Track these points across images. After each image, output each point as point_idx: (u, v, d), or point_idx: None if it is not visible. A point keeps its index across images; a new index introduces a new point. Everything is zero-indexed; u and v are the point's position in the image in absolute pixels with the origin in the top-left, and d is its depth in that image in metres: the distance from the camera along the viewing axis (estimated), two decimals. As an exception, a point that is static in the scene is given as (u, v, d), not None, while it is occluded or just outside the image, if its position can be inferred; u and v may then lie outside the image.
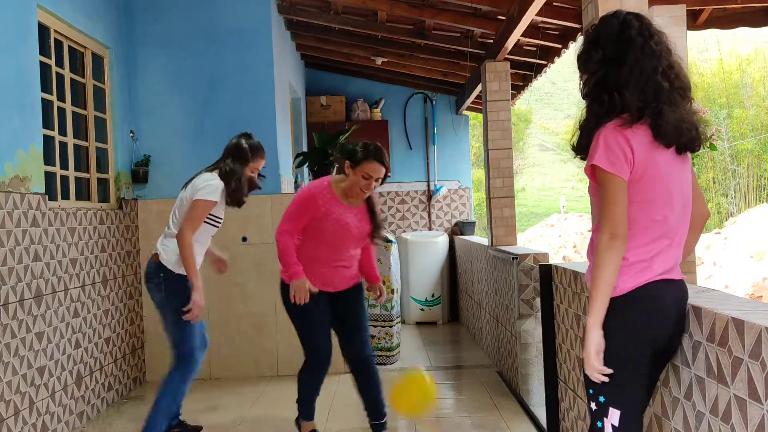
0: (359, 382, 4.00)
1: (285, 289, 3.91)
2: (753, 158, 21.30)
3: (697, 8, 5.07)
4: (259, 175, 4.32)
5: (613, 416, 2.17)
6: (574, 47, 5.78)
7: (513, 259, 5.01)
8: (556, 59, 6.41)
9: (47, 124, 4.58)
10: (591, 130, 2.23)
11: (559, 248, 17.39)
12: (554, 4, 5.15)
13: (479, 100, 7.92)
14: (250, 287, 5.99)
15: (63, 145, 4.91)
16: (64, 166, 4.92)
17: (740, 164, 21.43)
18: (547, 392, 3.92)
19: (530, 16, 4.82)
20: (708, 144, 5.49)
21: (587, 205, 21.08)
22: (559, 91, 37.69)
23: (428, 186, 9.30)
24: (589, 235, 2.83)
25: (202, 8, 6.05)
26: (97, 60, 5.55)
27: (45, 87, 4.57)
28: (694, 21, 5.26)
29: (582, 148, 2.28)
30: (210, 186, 4.03)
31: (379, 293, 4.11)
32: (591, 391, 2.23)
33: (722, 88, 23.95)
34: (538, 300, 4.16)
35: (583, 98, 2.30)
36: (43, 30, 4.61)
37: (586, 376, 2.23)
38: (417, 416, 4.07)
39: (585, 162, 2.27)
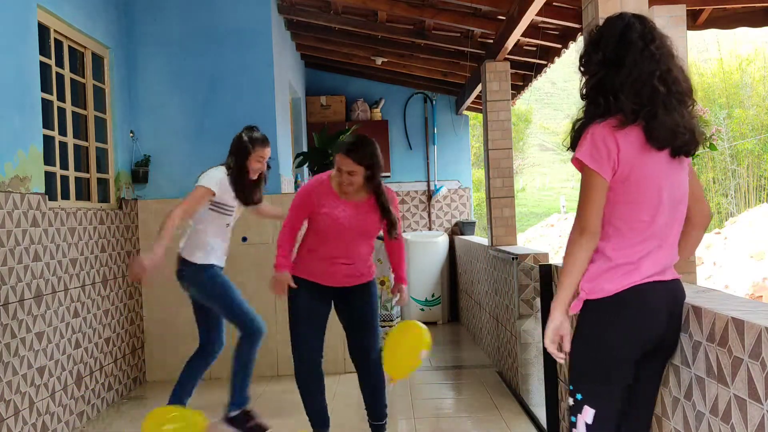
0: (362, 381, 3.99)
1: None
2: (753, 158, 21.30)
3: (697, 8, 5.07)
4: (268, 166, 4.34)
5: (587, 414, 2.22)
6: (574, 47, 5.78)
7: (513, 259, 5.01)
8: (556, 59, 6.41)
9: (47, 124, 4.58)
10: (584, 128, 2.25)
11: (559, 248, 17.41)
12: (554, 4, 5.15)
13: (479, 100, 7.92)
14: (250, 287, 5.98)
15: (63, 145, 4.91)
16: (64, 166, 4.92)
17: (740, 164, 21.43)
18: (547, 392, 3.92)
19: (530, 16, 4.82)
20: (708, 144, 5.50)
21: (587, 205, 20.92)
22: (559, 91, 37.69)
23: (428, 186, 9.30)
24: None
25: (202, 8, 6.05)
26: (97, 60, 5.55)
27: (45, 87, 4.57)
28: (694, 21, 5.26)
29: (575, 146, 2.30)
30: (208, 175, 4.16)
31: (398, 295, 3.98)
32: (571, 387, 2.30)
33: (722, 88, 23.94)
34: (538, 300, 4.16)
35: (582, 99, 2.31)
36: (43, 30, 4.61)
37: (569, 371, 2.30)
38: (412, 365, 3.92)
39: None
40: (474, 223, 9.12)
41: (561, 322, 2.26)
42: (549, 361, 3.89)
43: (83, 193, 5.28)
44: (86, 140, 5.33)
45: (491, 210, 6.16)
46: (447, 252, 8.83)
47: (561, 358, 2.32)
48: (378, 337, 3.93)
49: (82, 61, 5.32)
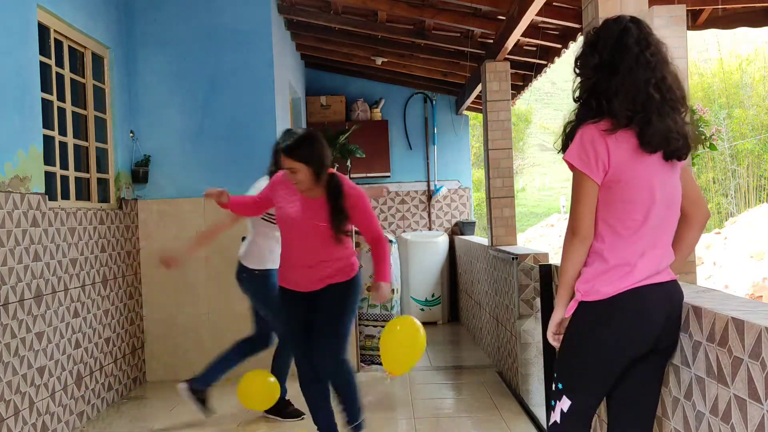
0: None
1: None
2: (753, 158, 21.28)
3: (697, 8, 5.08)
4: None
5: (565, 403, 2.29)
6: (574, 47, 5.78)
7: (513, 259, 5.01)
8: (556, 59, 6.41)
9: (47, 124, 4.58)
10: (575, 130, 2.26)
11: (559, 248, 17.39)
12: (554, 4, 5.15)
13: (479, 100, 7.92)
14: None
15: (63, 145, 4.91)
16: (64, 166, 4.92)
17: (740, 164, 21.41)
18: (547, 392, 3.91)
19: (530, 16, 4.82)
20: (708, 144, 5.51)
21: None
22: (559, 91, 37.68)
23: (428, 186, 9.29)
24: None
25: (202, 8, 6.05)
26: (97, 60, 5.55)
27: (45, 87, 4.57)
28: (694, 21, 5.26)
29: (566, 148, 2.31)
30: (253, 186, 4.39)
31: (376, 293, 3.72)
32: (555, 374, 2.36)
33: (722, 88, 23.93)
34: (538, 300, 4.16)
35: (575, 101, 2.32)
36: (43, 30, 4.61)
37: (556, 358, 2.39)
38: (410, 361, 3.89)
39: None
40: (474, 223, 9.11)
41: (562, 317, 2.34)
42: (549, 361, 3.89)
43: (83, 193, 5.28)
44: (86, 140, 5.33)
45: (491, 210, 6.16)
46: (447, 252, 8.83)
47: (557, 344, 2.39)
48: (338, 346, 3.72)
49: (82, 61, 5.32)
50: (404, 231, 9.21)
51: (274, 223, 4.23)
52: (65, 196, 4.90)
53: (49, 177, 4.62)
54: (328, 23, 6.96)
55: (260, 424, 4.67)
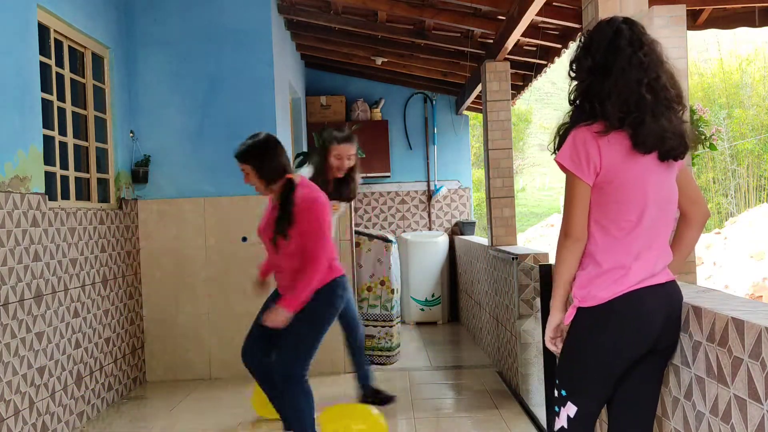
0: None
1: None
2: (753, 158, 21.28)
3: (697, 8, 5.07)
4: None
5: (570, 409, 2.29)
6: (574, 47, 5.78)
7: (513, 259, 5.01)
8: (556, 59, 6.41)
9: (47, 124, 4.58)
10: (568, 132, 2.26)
11: (558, 248, 17.36)
12: (554, 4, 5.15)
13: (479, 100, 7.92)
14: (250, 287, 5.99)
15: (63, 145, 4.91)
16: (64, 166, 4.92)
17: (740, 164, 21.41)
18: (547, 392, 3.91)
19: (530, 16, 4.82)
20: (708, 144, 5.50)
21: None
22: (559, 91, 37.66)
23: (428, 186, 9.29)
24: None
25: (202, 8, 6.05)
26: (97, 60, 5.55)
27: (45, 87, 4.57)
28: (694, 21, 5.26)
29: (559, 148, 2.32)
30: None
31: (269, 314, 3.56)
32: (557, 381, 2.35)
33: (722, 88, 23.92)
34: (538, 300, 4.16)
35: (569, 104, 2.32)
36: (43, 30, 4.61)
37: (557, 365, 2.38)
38: None
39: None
40: (474, 223, 9.11)
41: (560, 321, 2.33)
42: (549, 361, 3.89)
43: (83, 193, 5.28)
44: (86, 140, 5.33)
45: (491, 210, 6.16)
46: (447, 252, 8.82)
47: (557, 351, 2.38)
48: (290, 359, 3.65)
49: (82, 61, 5.32)
50: (404, 231, 9.22)
51: None
52: (65, 196, 4.90)
53: (49, 177, 4.62)
54: (328, 23, 6.96)
55: (260, 425, 4.67)
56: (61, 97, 4.89)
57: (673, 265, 2.38)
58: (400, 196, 9.23)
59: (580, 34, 3.31)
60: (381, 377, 4.64)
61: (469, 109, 9.14)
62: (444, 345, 7.38)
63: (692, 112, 5.06)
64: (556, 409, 2.34)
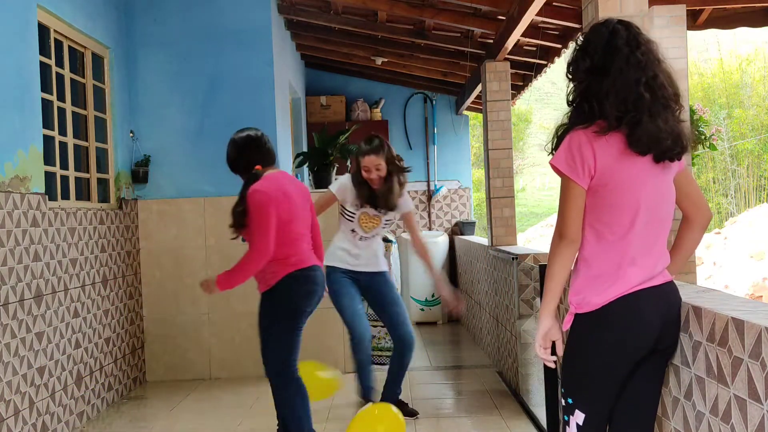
0: None
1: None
2: (753, 158, 21.27)
3: (697, 8, 5.08)
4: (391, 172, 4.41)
5: (579, 417, 2.29)
6: (571, 50, 5.78)
7: (513, 259, 5.01)
8: (556, 59, 6.42)
9: (47, 124, 4.58)
10: (566, 134, 2.26)
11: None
12: (554, 4, 5.15)
13: (479, 100, 7.92)
14: (250, 287, 5.99)
15: (63, 145, 4.91)
16: (64, 166, 4.92)
17: (740, 164, 21.41)
18: (547, 392, 3.91)
19: (530, 16, 4.82)
20: (708, 144, 5.50)
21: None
22: (559, 91, 37.65)
23: (428, 186, 9.30)
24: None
25: (202, 8, 6.05)
26: (97, 60, 5.54)
27: (45, 87, 4.57)
28: (694, 21, 5.26)
29: (557, 150, 2.31)
30: (335, 180, 4.64)
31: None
32: (563, 390, 2.35)
33: (722, 88, 23.91)
34: (538, 300, 4.16)
35: (568, 105, 2.32)
36: (43, 30, 4.61)
37: (561, 374, 2.36)
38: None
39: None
40: (474, 223, 9.11)
41: (550, 328, 2.28)
42: (549, 361, 3.89)
43: (83, 193, 5.28)
44: (86, 140, 5.33)
45: (491, 210, 6.16)
46: (447, 252, 8.82)
47: (552, 363, 2.35)
48: (263, 355, 3.76)
49: (82, 61, 5.32)
50: (404, 231, 9.21)
51: (346, 218, 4.48)
52: (65, 196, 4.90)
53: (49, 177, 4.62)
54: (328, 23, 6.96)
55: (261, 425, 4.67)
56: (61, 97, 4.89)
57: (674, 266, 2.38)
58: (400, 196, 9.22)
59: (579, 34, 3.31)
60: (381, 377, 4.63)
61: (469, 109, 9.14)
62: (444, 345, 7.38)
63: (692, 112, 5.06)
64: (565, 417, 2.33)
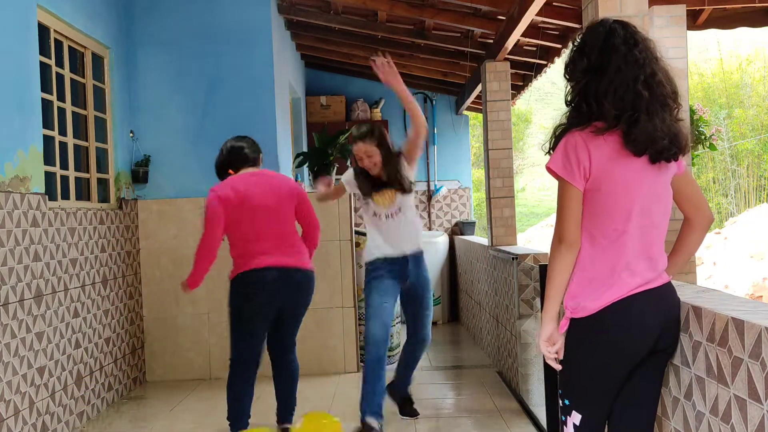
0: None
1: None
2: (753, 158, 21.28)
3: (697, 8, 5.07)
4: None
5: (576, 418, 2.30)
6: (569, 51, 5.79)
7: (513, 259, 5.01)
8: (556, 59, 6.42)
9: (47, 124, 4.58)
10: (564, 134, 2.25)
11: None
12: (554, 4, 5.15)
13: (479, 100, 7.92)
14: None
15: (63, 145, 4.91)
16: (64, 166, 4.92)
17: (740, 164, 21.42)
18: (547, 392, 3.91)
19: (530, 16, 4.81)
20: (708, 144, 5.49)
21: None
22: (559, 91, 37.64)
23: (428, 186, 9.29)
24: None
25: (203, 8, 6.05)
26: (97, 60, 5.54)
27: (45, 87, 4.57)
28: (694, 21, 5.26)
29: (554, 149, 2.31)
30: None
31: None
32: (561, 391, 2.36)
33: (722, 88, 23.92)
34: (538, 300, 4.16)
35: (566, 105, 2.31)
36: (43, 30, 4.61)
37: (559, 376, 2.37)
38: None
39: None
40: (474, 223, 9.11)
41: (552, 331, 2.29)
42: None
43: (83, 193, 5.28)
44: (86, 140, 5.33)
45: (491, 210, 6.16)
46: (447, 252, 8.82)
47: (559, 366, 2.34)
48: (233, 342, 4.00)
49: (82, 61, 5.32)
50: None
51: (366, 203, 4.32)
52: (65, 196, 4.90)
53: (49, 177, 4.62)
54: (328, 23, 6.96)
55: (261, 425, 4.67)
56: (61, 97, 4.89)
57: (674, 267, 2.37)
58: (400, 196, 9.22)
59: (577, 34, 3.31)
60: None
61: (469, 109, 9.14)
62: (444, 345, 7.38)
63: (692, 112, 5.07)
64: (563, 418, 2.33)
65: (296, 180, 7.24)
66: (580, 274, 2.24)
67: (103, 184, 5.54)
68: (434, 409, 4.91)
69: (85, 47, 5.30)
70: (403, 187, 4.23)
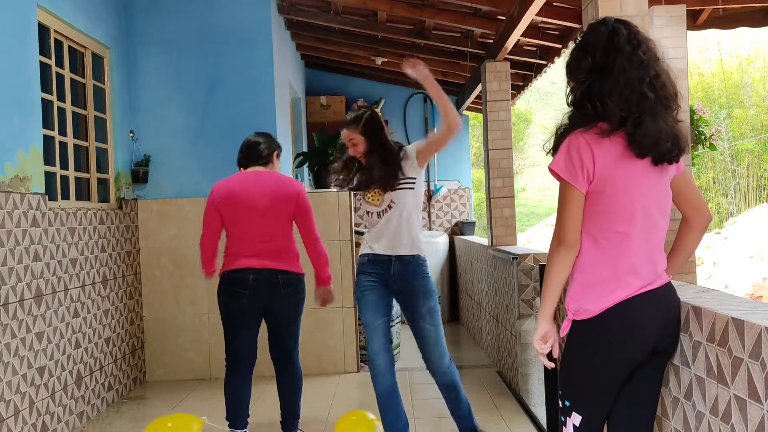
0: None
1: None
2: (753, 158, 21.28)
3: (697, 8, 5.08)
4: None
5: (575, 419, 2.30)
6: (570, 51, 5.78)
7: (513, 259, 5.01)
8: (556, 59, 6.42)
9: (47, 124, 4.58)
10: (566, 135, 2.23)
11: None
12: (554, 4, 5.15)
13: (479, 100, 7.92)
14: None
15: (63, 145, 4.91)
16: (64, 166, 4.92)
17: (740, 164, 21.42)
18: (547, 392, 3.91)
19: (530, 16, 4.82)
20: (708, 144, 5.48)
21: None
22: (559, 91, 37.65)
23: (428, 186, 9.29)
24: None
25: (202, 8, 6.05)
26: (97, 60, 5.55)
27: (45, 87, 4.57)
28: (694, 21, 5.26)
29: (556, 151, 2.29)
30: None
31: None
32: (561, 392, 2.35)
33: (722, 88, 23.92)
34: (538, 300, 4.16)
35: (569, 105, 2.30)
36: (43, 30, 4.61)
37: (559, 377, 2.37)
38: None
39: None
40: (474, 223, 9.11)
41: (547, 331, 2.29)
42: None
43: (83, 193, 5.28)
44: (86, 140, 5.33)
45: (491, 210, 6.16)
46: (447, 252, 8.82)
47: (551, 365, 2.36)
48: (225, 339, 4.09)
49: (82, 61, 5.32)
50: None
51: (362, 200, 3.96)
52: (65, 196, 4.90)
53: (49, 177, 4.62)
54: (328, 23, 6.96)
55: (261, 425, 4.67)
56: (61, 97, 4.89)
57: (673, 268, 2.37)
58: (400, 196, 9.22)
59: (578, 33, 3.30)
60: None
61: (469, 109, 9.14)
62: (444, 345, 7.37)
63: (692, 112, 5.06)
64: (562, 419, 2.33)
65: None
66: (582, 276, 2.23)
67: (103, 184, 5.54)
68: (434, 410, 4.91)
69: (85, 47, 5.30)
70: (384, 184, 3.77)
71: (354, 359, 5.99)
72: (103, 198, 5.54)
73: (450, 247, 8.92)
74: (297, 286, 3.99)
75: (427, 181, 9.29)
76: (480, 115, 10.02)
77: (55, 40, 4.83)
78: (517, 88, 7.79)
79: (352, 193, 4.37)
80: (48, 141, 4.61)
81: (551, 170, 2.24)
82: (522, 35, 5.68)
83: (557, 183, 2.26)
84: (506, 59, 6.14)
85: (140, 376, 5.88)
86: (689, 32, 4.84)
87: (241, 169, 4.10)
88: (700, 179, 20.83)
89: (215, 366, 5.95)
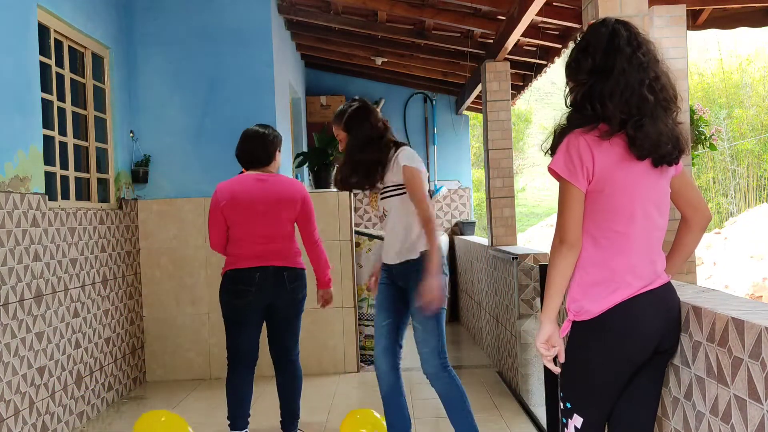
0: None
1: None
2: (753, 158, 21.28)
3: (697, 8, 5.08)
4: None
5: (577, 420, 2.29)
6: (569, 51, 5.78)
7: (513, 259, 5.01)
8: (556, 59, 6.42)
9: (47, 124, 4.58)
10: (565, 135, 2.23)
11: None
12: (554, 4, 5.15)
13: (479, 100, 7.92)
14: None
15: (63, 145, 4.91)
16: (64, 166, 4.92)
17: (740, 164, 21.42)
18: (547, 392, 3.91)
19: (530, 16, 4.82)
20: (708, 144, 5.48)
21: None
22: (559, 91, 37.64)
23: (428, 186, 9.29)
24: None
25: (202, 8, 6.05)
26: (97, 60, 5.54)
27: (45, 87, 4.57)
28: (694, 21, 5.26)
29: (555, 151, 2.28)
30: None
31: None
32: (562, 394, 2.34)
33: (722, 88, 23.92)
34: (538, 300, 4.16)
35: (567, 106, 2.30)
36: (43, 30, 4.61)
37: (561, 378, 2.36)
38: None
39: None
40: (474, 223, 9.11)
41: (551, 333, 2.25)
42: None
43: (83, 193, 5.28)
44: (86, 140, 5.33)
45: (491, 210, 6.16)
46: (447, 252, 8.82)
47: (557, 369, 2.33)
48: (227, 338, 4.09)
49: (82, 61, 5.32)
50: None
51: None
52: (65, 196, 4.90)
53: (49, 177, 4.62)
54: (328, 23, 6.96)
55: (261, 425, 4.67)
56: (61, 97, 4.89)
57: (672, 267, 2.37)
58: (400, 196, 9.22)
59: (578, 34, 3.30)
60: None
61: (469, 109, 9.14)
62: (444, 345, 7.37)
63: (692, 112, 5.06)
64: (563, 420, 2.32)
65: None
66: (582, 276, 2.23)
67: (103, 184, 5.54)
68: (434, 410, 4.91)
69: (85, 47, 5.30)
70: (362, 184, 3.61)
71: (354, 359, 5.99)
72: (103, 198, 5.54)
73: (450, 247, 8.92)
74: (302, 281, 4.05)
75: (427, 181, 9.28)
76: (480, 115, 10.02)
77: (55, 40, 4.83)
78: (517, 88, 7.79)
79: (352, 192, 4.30)
80: (48, 141, 4.61)
81: (551, 170, 2.23)
82: (522, 35, 5.68)
83: (557, 183, 2.26)
84: (506, 59, 6.14)
85: (140, 376, 5.88)
86: (689, 32, 4.84)
87: (243, 170, 4.10)
88: (700, 179, 20.83)
89: (215, 366, 5.95)
